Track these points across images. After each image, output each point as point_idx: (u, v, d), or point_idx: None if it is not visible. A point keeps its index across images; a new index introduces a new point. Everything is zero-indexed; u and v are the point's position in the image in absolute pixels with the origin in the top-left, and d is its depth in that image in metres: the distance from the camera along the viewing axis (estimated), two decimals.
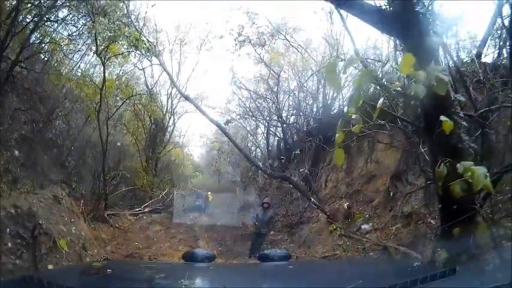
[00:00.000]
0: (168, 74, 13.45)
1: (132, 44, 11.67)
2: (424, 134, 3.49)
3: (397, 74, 2.65)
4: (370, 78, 2.56)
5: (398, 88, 2.87)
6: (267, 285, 2.95)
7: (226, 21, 16.06)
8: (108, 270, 2.68)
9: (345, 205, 10.77)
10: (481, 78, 5.68)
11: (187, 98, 13.89)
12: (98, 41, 11.51)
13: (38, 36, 11.20)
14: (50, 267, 4.67)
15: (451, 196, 2.75)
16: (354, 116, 2.79)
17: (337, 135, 2.82)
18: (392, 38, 7.51)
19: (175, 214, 15.11)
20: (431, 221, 7.43)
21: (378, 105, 2.64)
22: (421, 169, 8.01)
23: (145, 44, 11.91)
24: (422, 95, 2.25)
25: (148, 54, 12.67)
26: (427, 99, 2.67)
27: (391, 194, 9.75)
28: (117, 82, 14.44)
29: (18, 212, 4.74)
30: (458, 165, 2.50)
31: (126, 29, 11.34)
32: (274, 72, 16.53)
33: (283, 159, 14.91)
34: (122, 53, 12.86)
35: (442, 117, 2.51)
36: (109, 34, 10.93)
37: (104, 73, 12.48)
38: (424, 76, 2.22)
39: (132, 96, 15.13)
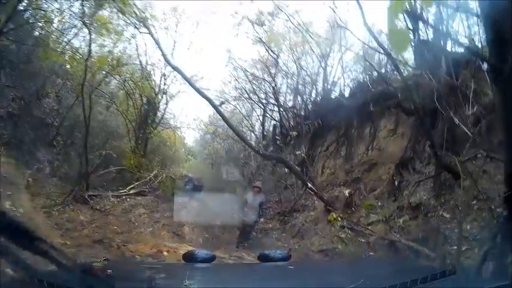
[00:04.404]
0: (157, 42, 12.71)
1: (119, 9, 11.28)
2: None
3: None
4: None
5: None
6: (267, 286, 2.73)
7: None
8: (108, 270, 2.57)
9: (346, 192, 10.01)
10: None
11: (176, 69, 13.29)
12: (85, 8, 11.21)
13: (26, 5, 10.90)
14: None
15: None
16: None
17: None
18: None
19: (162, 197, 14.63)
20: (444, 214, 6.68)
21: None
22: (435, 154, 7.28)
23: (132, 9, 11.30)
24: None
25: (136, 22, 12.01)
26: None
27: (396, 183, 9.02)
28: (109, 59, 14.11)
29: None
30: None
31: None
32: (272, 52, 15.82)
33: (278, 140, 14.27)
34: (109, 22, 12.49)
35: None
36: None
37: (90, 42, 12.12)
38: None
39: (118, 66, 14.62)
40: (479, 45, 3.68)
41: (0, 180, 4.94)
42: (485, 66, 6.66)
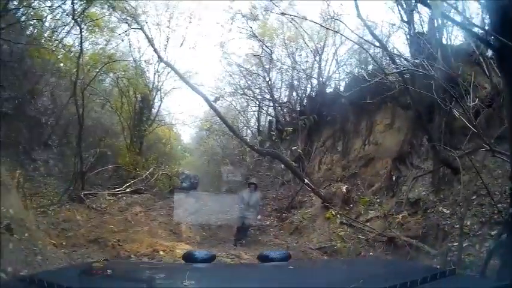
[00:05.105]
0: (149, 38, 12.62)
1: (109, 5, 11.25)
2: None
3: None
4: None
5: None
6: (267, 286, 2.72)
7: None
8: (108, 270, 2.62)
9: (343, 188, 9.90)
10: None
11: (169, 65, 13.35)
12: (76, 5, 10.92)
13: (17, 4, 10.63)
14: None
15: None
16: None
17: None
18: None
19: (159, 195, 14.68)
20: (444, 210, 6.59)
21: None
22: (433, 148, 7.22)
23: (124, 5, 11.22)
24: None
25: (128, 18, 11.89)
26: None
27: (394, 179, 8.96)
28: (102, 56, 14.13)
29: None
30: None
31: None
32: (266, 47, 15.75)
33: (273, 135, 14.16)
34: (100, 18, 12.32)
35: None
36: None
37: (81, 39, 11.91)
38: None
39: (109, 62, 14.44)
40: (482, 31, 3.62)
41: None
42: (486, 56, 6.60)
